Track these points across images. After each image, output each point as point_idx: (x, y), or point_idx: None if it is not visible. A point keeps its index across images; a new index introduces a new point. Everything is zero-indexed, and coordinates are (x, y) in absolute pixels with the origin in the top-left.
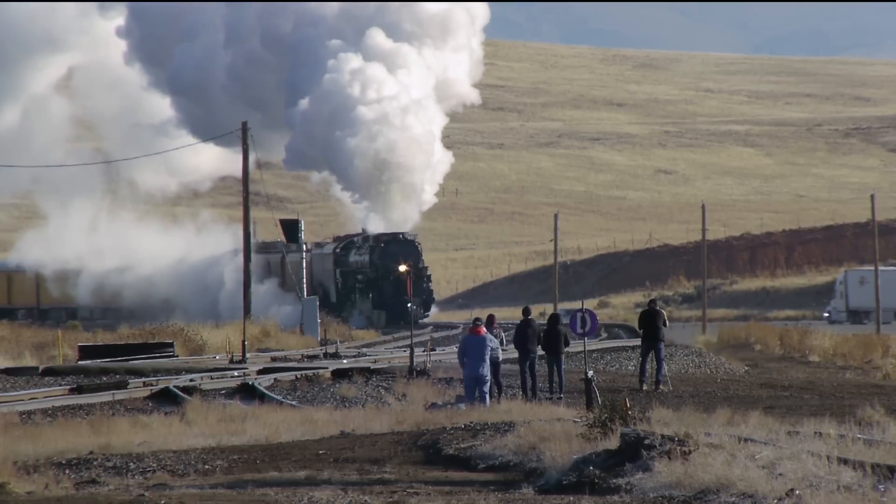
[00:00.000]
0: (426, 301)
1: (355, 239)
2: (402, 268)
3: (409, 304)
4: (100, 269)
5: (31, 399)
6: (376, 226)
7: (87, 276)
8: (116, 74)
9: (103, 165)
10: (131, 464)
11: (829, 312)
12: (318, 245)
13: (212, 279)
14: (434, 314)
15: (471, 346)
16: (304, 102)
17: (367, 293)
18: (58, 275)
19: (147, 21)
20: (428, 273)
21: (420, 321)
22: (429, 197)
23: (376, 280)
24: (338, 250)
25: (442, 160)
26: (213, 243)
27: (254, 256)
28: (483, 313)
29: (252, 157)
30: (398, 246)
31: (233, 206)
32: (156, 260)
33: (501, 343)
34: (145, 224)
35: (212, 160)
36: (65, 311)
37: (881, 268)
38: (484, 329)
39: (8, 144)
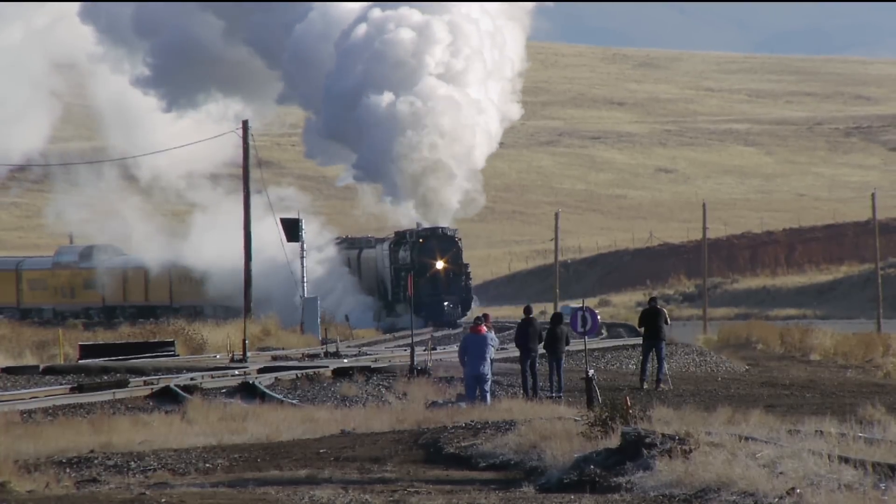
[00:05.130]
0: (465, 300)
1: (407, 234)
2: (440, 264)
3: (444, 303)
4: (211, 265)
5: (31, 398)
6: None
7: (204, 274)
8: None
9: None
10: (132, 462)
11: None
12: (380, 241)
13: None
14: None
15: (472, 345)
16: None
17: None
18: (181, 272)
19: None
20: (468, 270)
21: (459, 321)
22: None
23: (413, 277)
24: (391, 246)
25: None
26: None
27: (336, 252)
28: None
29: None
30: (436, 241)
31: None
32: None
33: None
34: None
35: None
36: (193, 308)
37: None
38: (485, 328)
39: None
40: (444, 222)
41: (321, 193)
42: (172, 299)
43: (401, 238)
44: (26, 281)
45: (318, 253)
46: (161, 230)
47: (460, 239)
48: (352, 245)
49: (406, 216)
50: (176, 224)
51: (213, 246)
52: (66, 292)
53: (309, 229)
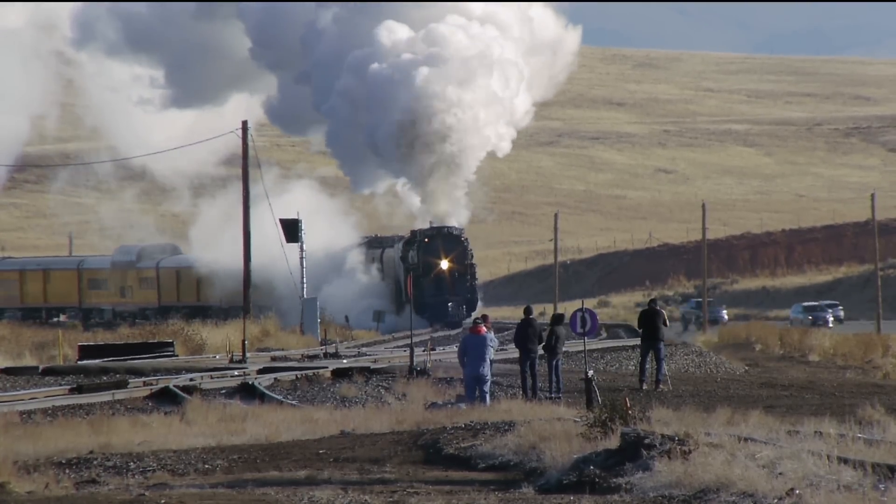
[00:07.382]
0: (470, 300)
1: (417, 234)
2: (445, 264)
3: (448, 304)
4: (255, 266)
5: (31, 399)
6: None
7: (226, 275)
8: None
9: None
10: (131, 463)
11: None
12: (400, 240)
13: (330, 273)
14: None
15: (471, 346)
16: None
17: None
18: (228, 272)
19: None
20: (474, 270)
21: (463, 322)
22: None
23: (417, 278)
24: (404, 245)
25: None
26: (333, 235)
27: (363, 251)
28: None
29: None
30: (441, 241)
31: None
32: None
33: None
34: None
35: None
36: (222, 310)
37: None
38: (484, 329)
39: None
40: (454, 220)
41: (319, 193)
42: (221, 300)
43: (412, 238)
44: (86, 280)
45: (347, 252)
46: (165, 230)
47: (466, 239)
48: (378, 244)
49: (418, 215)
50: (186, 225)
51: (258, 248)
52: (125, 292)
53: (331, 226)
